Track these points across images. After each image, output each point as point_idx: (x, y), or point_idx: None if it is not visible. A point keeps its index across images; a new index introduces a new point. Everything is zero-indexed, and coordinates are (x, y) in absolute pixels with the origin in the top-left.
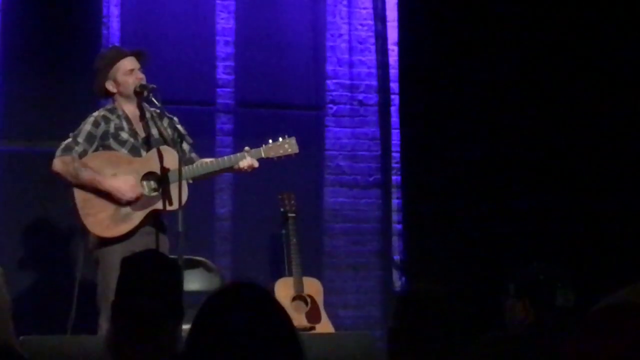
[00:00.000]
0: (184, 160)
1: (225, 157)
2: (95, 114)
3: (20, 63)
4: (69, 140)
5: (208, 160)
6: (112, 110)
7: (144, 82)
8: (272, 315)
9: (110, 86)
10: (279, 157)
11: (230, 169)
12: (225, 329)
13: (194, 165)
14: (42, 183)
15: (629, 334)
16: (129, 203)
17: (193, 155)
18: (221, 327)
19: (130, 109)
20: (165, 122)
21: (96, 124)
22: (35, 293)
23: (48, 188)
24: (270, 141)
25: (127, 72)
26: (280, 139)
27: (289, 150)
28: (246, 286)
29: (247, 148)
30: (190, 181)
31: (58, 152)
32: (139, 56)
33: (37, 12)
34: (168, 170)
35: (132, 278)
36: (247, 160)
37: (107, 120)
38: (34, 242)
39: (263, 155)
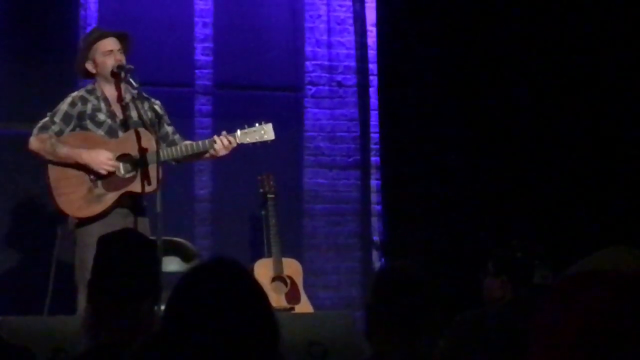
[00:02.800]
0: (167, 143)
1: (200, 142)
2: (74, 94)
3: None
4: (46, 119)
5: (187, 143)
6: (91, 91)
7: (122, 63)
8: (249, 291)
9: (89, 66)
10: (254, 144)
11: (208, 154)
12: (201, 304)
13: (169, 149)
14: (19, 164)
15: (591, 303)
16: (105, 176)
17: (176, 137)
18: (197, 302)
19: (109, 90)
20: (146, 105)
21: (73, 104)
22: (12, 274)
23: (25, 169)
24: (247, 126)
25: (106, 52)
26: (257, 125)
27: (265, 136)
28: (223, 262)
29: (224, 132)
30: (174, 163)
31: (35, 131)
32: (120, 38)
33: None
34: (146, 150)
35: (108, 256)
36: (222, 139)
37: (84, 100)
38: (11, 223)
39: (239, 140)
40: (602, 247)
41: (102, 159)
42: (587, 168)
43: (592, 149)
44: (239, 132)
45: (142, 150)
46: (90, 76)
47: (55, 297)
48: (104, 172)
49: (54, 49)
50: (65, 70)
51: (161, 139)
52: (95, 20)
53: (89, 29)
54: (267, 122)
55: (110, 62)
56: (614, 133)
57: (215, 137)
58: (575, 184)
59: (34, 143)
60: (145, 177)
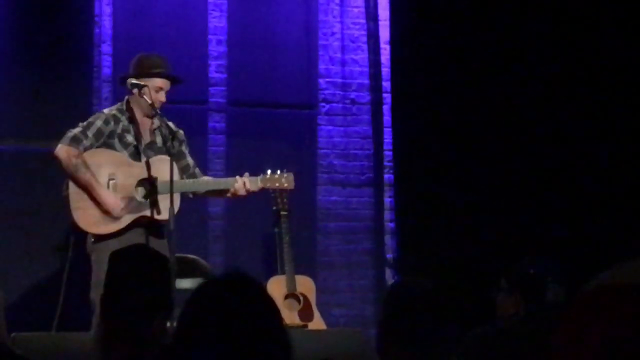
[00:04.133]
0: (187, 175)
1: (222, 179)
2: (106, 111)
3: (11, 62)
4: (79, 130)
5: (210, 178)
6: (123, 111)
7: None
8: (261, 305)
9: (133, 86)
10: (274, 190)
11: (225, 192)
12: (214, 317)
13: (188, 180)
14: (32, 181)
15: (622, 317)
16: (123, 198)
17: (197, 170)
18: (210, 316)
19: (139, 113)
20: (175, 138)
21: (107, 122)
22: (26, 290)
23: (38, 186)
24: (269, 172)
25: (156, 88)
26: (279, 172)
27: (285, 185)
28: (236, 276)
29: (246, 174)
30: (191, 195)
31: (66, 140)
32: (174, 82)
33: (28, 11)
34: (156, 179)
35: (121, 272)
36: (244, 180)
37: (116, 120)
38: (25, 239)
39: (260, 184)
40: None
41: (110, 203)
42: (601, 185)
43: (607, 163)
44: (260, 177)
45: (155, 178)
46: (126, 88)
47: (66, 314)
48: (109, 214)
49: (68, 67)
50: (80, 87)
51: (182, 170)
52: (110, 38)
53: (103, 46)
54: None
55: (154, 97)
56: (633, 148)
57: (238, 178)
58: (589, 200)
59: (62, 152)
60: (158, 205)
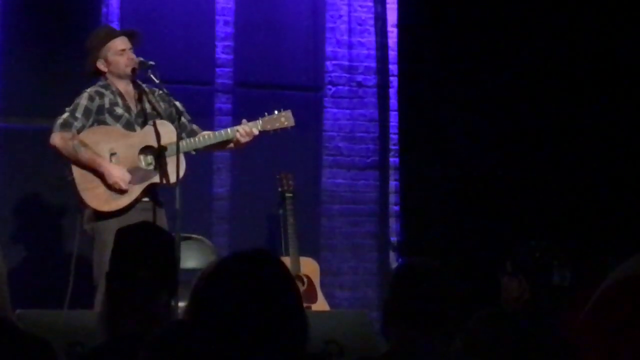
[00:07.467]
0: (186, 132)
1: (222, 130)
2: (89, 89)
3: (19, 41)
4: (67, 115)
5: (208, 132)
6: (106, 87)
7: (139, 60)
8: (284, 283)
9: (101, 65)
10: (275, 130)
11: (229, 143)
12: (235, 292)
13: (192, 139)
14: (39, 159)
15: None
16: (129, 170)
17: (194, 127)
18: (230, 291)
19: (122, 86)
20: (166, 99)
21: (91, 99)
22: (32, 268)
23: (45, 164)
24: (266, 114)
25: (119, 52)
26: (276, 112)
27: (285, 123)
28: (260, 253)
29: (244, 120)
30: (193, 152)
31: (56, 127)
32: (131, 36)
33: None
34: (165, 148)
35: (127, 249)
36: (244, 127)
37: (101, 95)
38: (31, 217)
39: (260, 127)
40: (623, 249)
41: (117, 175)
42: (608, 169)
43: (613, 149)
44: (260, 120)
45: (164, 145)
46: (99, 74)
47: (75, 292)
48: (116, 187)
49: (75, 45)
50: (84, 66)
51: (181, 128)
52: (117, 17)
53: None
54: (285, 109)
55: (123, 61)
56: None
57: (237, 127)
58: (595, 184)
59: (56, 140)
60: (168, 169)
